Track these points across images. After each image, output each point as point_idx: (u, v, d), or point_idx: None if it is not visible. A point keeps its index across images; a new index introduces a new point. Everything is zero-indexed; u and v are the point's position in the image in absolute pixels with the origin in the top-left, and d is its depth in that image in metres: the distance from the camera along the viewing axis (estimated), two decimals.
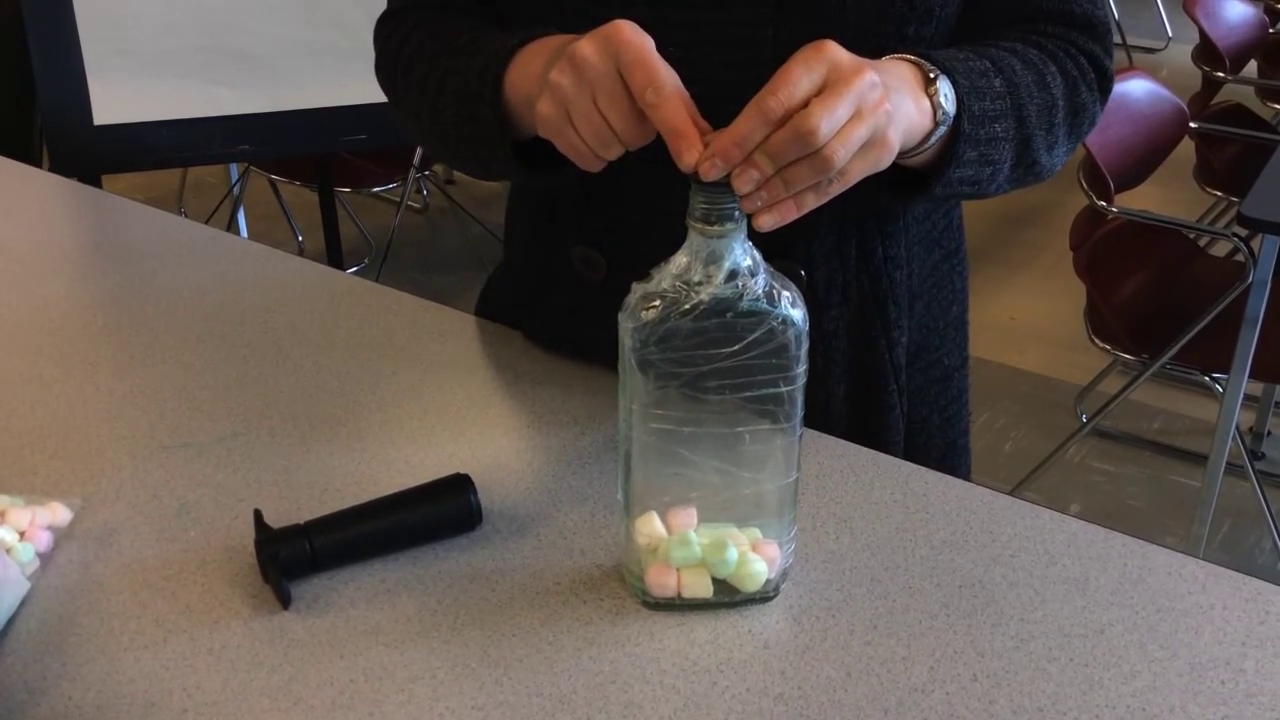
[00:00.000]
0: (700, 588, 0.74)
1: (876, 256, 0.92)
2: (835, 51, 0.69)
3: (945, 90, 0.78)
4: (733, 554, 0.73)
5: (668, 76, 0.70)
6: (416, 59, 0.91)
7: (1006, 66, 0.84)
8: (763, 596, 0.75)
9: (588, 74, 0.71)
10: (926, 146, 0.79)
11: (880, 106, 0.70)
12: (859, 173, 0.72)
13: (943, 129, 0.79)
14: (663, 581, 0.74)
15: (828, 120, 0.67)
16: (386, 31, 0.96)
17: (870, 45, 0.82)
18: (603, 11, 0.78)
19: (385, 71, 0.96)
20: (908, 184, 0.84)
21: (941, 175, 0.81)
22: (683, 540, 0.74)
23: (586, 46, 0.72)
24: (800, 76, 0.68)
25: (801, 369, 0.71)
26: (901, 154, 0.76)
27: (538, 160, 0.85)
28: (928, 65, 0.78)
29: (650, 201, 0.89)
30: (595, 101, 0.72)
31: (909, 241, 0.94)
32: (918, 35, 0.85)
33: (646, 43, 0.71)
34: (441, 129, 0.89)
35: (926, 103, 0.77)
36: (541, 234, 1.00)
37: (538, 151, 0.85)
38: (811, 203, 0.71)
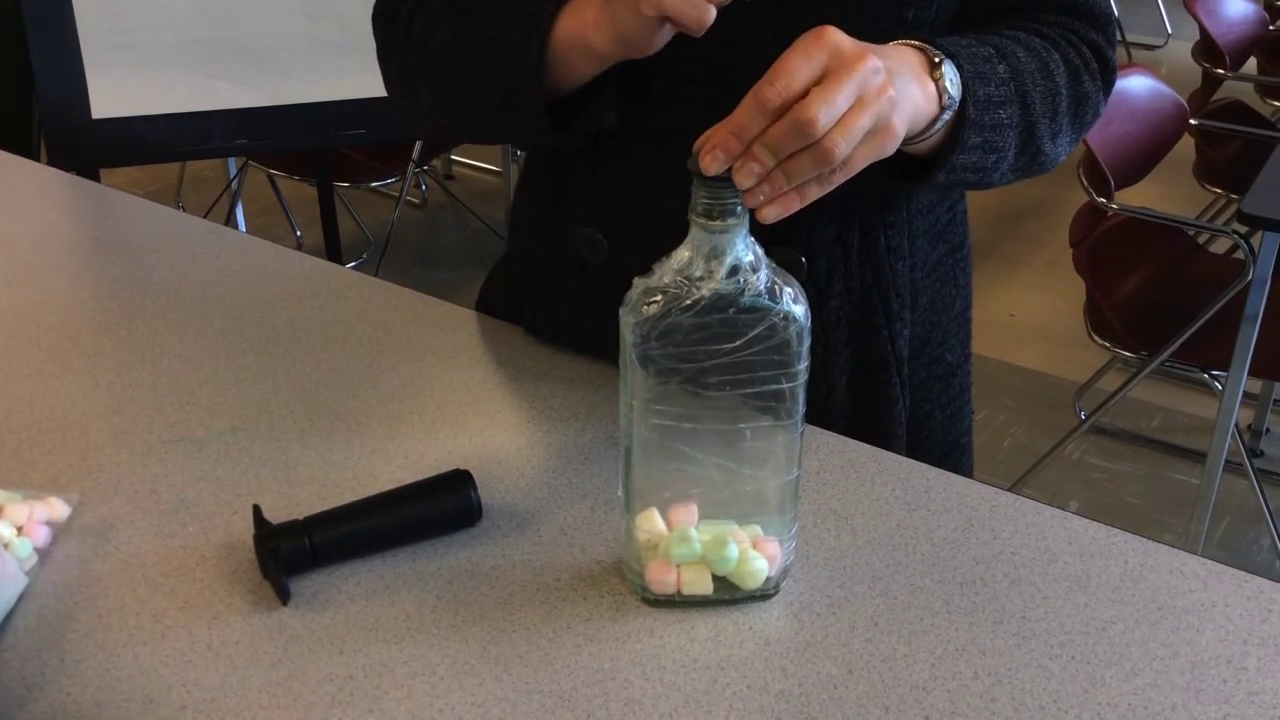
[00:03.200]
0: (700, 585, 0.74)
1: (879, 246, 0.92)
2: (836, 38, 0.69)
3: (950, 75, 0.77)
4: (733, 551, 0.73)
5: None
6: (437, 24, 0.89)
7: (1010, 53, 0.84)
8: (763, 594, 0.75)
9: None
10: (931, 132, 0.78)
11: (884, 93, 0.69)
12: (863, 160, 0.71)
13: (948, 114, 0.78)
14: (663, 578, 0.74)
15: (825, 110, 0.66)
16: (391, 9, 0.94)
17: (869, 28, 0.82)
18: None
19: (390, 58, 0.94)
20: (911, 170, 0.84)
21: (945, 161, 0.80)
22: (683, 537, 0.73)
23: None
24: (799, 65, 0.67)
25: (803, 365, 0.71)
26: (906, 140, 0.75)
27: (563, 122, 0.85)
28: (932, 50, 0.78)
29: (655, 188, 0.88)
30: None
31: (912, 233, 0.94)
32: (917, 19, 0.85)
33: None
34: (465, 86, 0.87)
35: (932, 87, 0.76)
36: (547, 221, 0.99)
37: (563, 115, 0.84)
38: (815, 193, 0.70)
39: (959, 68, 0.78)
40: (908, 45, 0.78)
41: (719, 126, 0.67)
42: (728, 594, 0.75)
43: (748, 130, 0.67)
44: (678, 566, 0.74)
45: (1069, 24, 0.90)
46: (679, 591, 0.74)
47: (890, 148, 0.72)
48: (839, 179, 0.71)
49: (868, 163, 0.71)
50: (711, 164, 0.67)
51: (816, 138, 0.67)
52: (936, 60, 0.77)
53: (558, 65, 0.82)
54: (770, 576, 0.74)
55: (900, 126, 0.71)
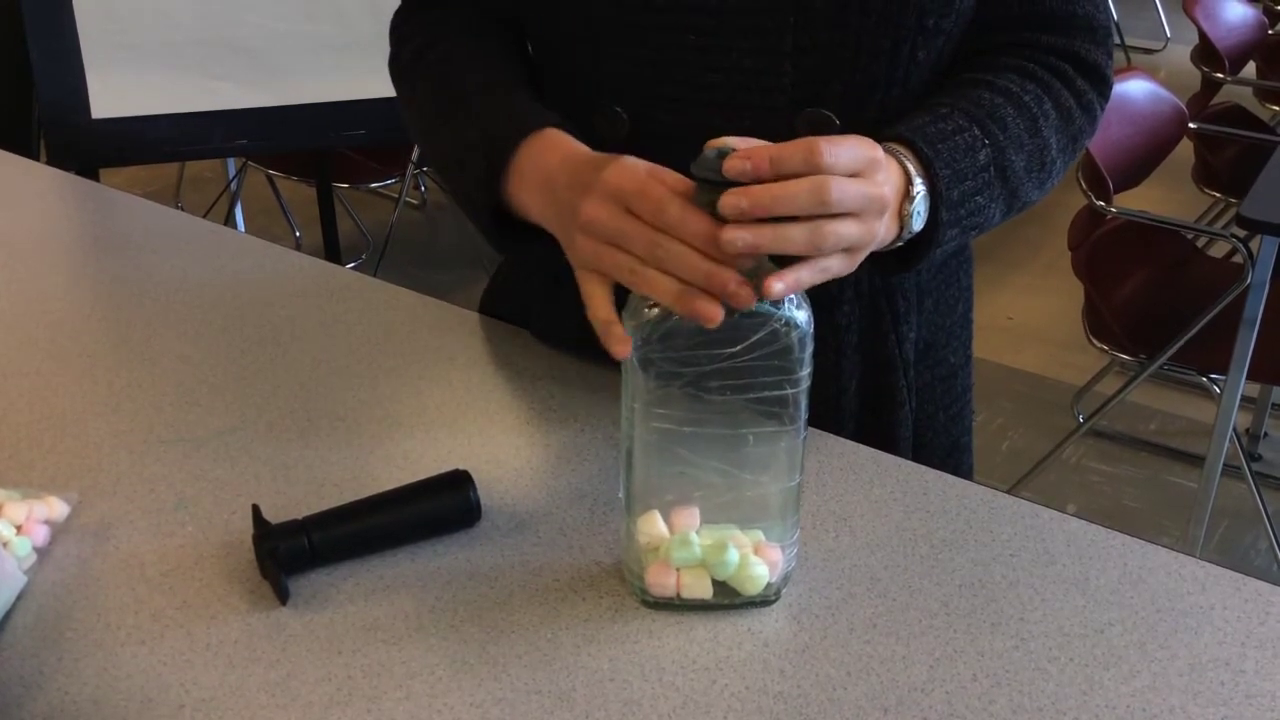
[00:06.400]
0: (700, 589, 0.74)
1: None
2: (882, 157, 0.73)
3: (919, 208, 0.79)
4: (734, 556, 0.73)
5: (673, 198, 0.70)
6: (427, 78, 0.92)
7: (997, 120, 0.85)
8: (764, 600, 0.75)
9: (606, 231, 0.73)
10: (886, 250, 0.80)
11: (876, 227, 0.73)
12: (823, 266, 0.74)
13: (904, 239, 0.80)
14: (662, 581, 0.74)
15: (841, 196, 0.69)
16: (403, 33, 0.96)
17: (890, 36, 0.83)
18: (627, 3, 0.78)
19: (397, 78, 0.96)
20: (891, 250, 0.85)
21: (923, 256, 0.82)
22: (684, 541, 0.73)
23: (589, 209, 0.73)
24: (855, 148, 0.70)
25: (806, 371, 0.71)
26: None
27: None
28: (913, 171, 0.79)
29: None
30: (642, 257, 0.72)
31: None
32: (937, 27, 0.85)
33: (640, 170, 0.72)
34: (443, 178, 0.91)
35: (895, 224, 0.78)
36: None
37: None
38: (789, 244, 0.71)
39: (936, 174, 0.79)
40: (899, 155, 0.79)
41: (763, 146, 0.68)
42: (727, 599, 0.75)
43: (785, 165, 0.68)
44: (678, 570, 0.73)
45: (1069, 45, 0.90)
46: (678, 595, 0.74)
47: (839, 272, 0.74)
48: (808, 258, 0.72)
49: (821, 273, 0.73)
50: (736, 167, 0.67)
51: (828, 210, 0.69)
52: (912, 192, 0.78)
53: (515, 201, 0.85)
54: (770, 583, 0.74)
55: (857, 262, 0.75)
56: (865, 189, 0.71)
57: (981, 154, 0.83)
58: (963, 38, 0.89)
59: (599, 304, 0.73)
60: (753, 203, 0.67)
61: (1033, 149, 0.87)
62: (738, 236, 0.68)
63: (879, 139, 0.79)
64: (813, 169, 0.69)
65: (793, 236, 0.69)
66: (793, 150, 0.68)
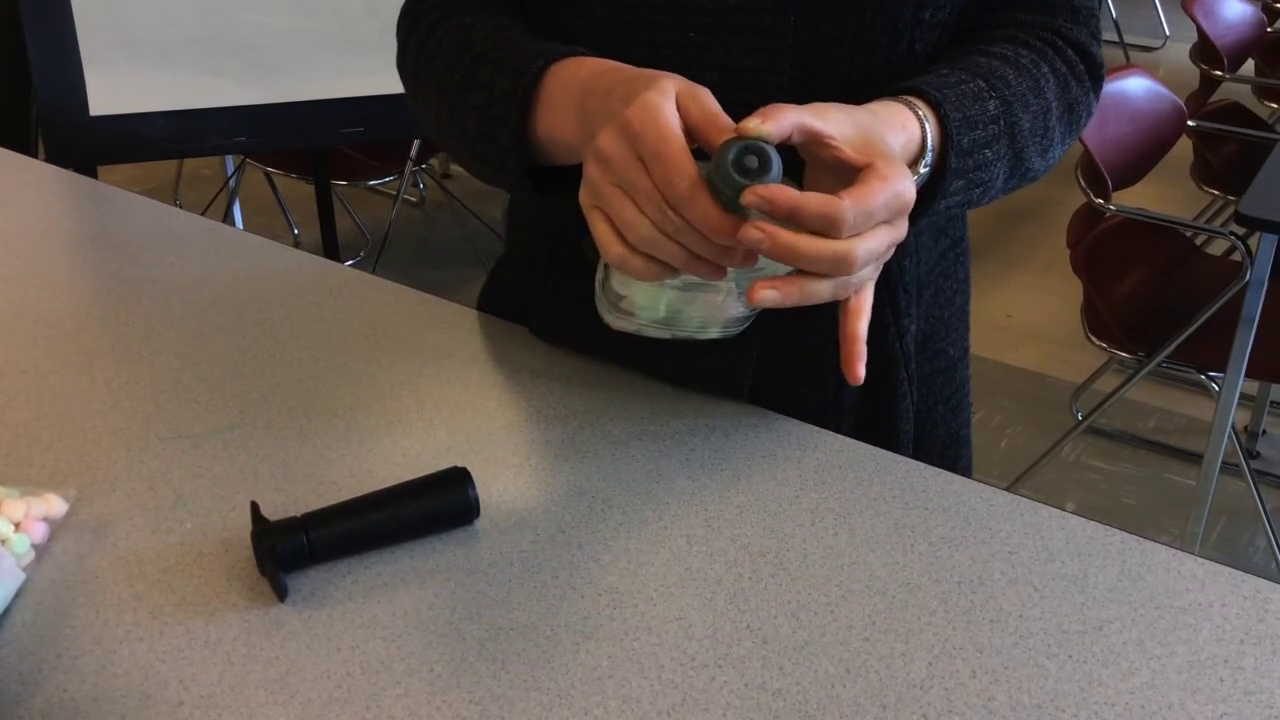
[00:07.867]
0: (660, 334, 0.81)
1: None
2: (911, 198, 0.71)
3: (920, 170, 0.79)
4: (693, 323, 0.79)
5: (686, 165, 0.69)
6: (446, 43, 0.90)
7: (1000, 79, 0.84)
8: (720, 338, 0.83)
9: (617, 169, 0.71)
10: None
11: (888, 256, 0.73)
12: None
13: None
14: (624, 325, 0.82)
15: (865, 261, 0.70)
16: (408, 26, 0.95)
17: (888, 29, 0.83)
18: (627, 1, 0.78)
19: (406, 65, 0.95)
20: None
21: (927, 207, 0.81)
22: (651, 306, 0.78)
23: (606, 140, 0.71)
24: (882, 203, 0.69)
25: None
26: None
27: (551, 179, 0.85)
28: (926, 144, 0.78)
29: None
30: (635, 201, 0.71)
31: (916, 230, 0.94)
32: (933, 19, 0.85)
33: (662, 124, 0.69)
34: (460, 142, 0.88)
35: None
36: (548, 224, 0.99)
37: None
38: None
39: (945, 116, 0.79)
40: (914, 106, 0.78)
41: (788, 192, 0.67)
42: (684, 336, 0.82)
43: (803, 220, 0.67)
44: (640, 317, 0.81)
45: (1050, 23, 0.90)
46: (638, 331, 0.82)
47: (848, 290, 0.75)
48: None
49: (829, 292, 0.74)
50: (754, 203, 0.67)
51: (848, 273, 0.69)
52: (921, 169, 0.78)
53: (540, 149, 0.82)
54: (725, 328, 0.81)
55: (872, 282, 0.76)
56: (885, 242, 0.71)
57: (990, 104, 0.83)
58: (956, 29, 0.89)
59: (611, 240, 0.72)
60: (770, 246, 0.67)
61: (1037, 109, 0.86)
62: (766, 296, 0.69)
63: (887, 94, 0.79)
64: (831, 236, 0.68)
65: (821, 292, 0.70)
66: (816, 209, 0.67)
